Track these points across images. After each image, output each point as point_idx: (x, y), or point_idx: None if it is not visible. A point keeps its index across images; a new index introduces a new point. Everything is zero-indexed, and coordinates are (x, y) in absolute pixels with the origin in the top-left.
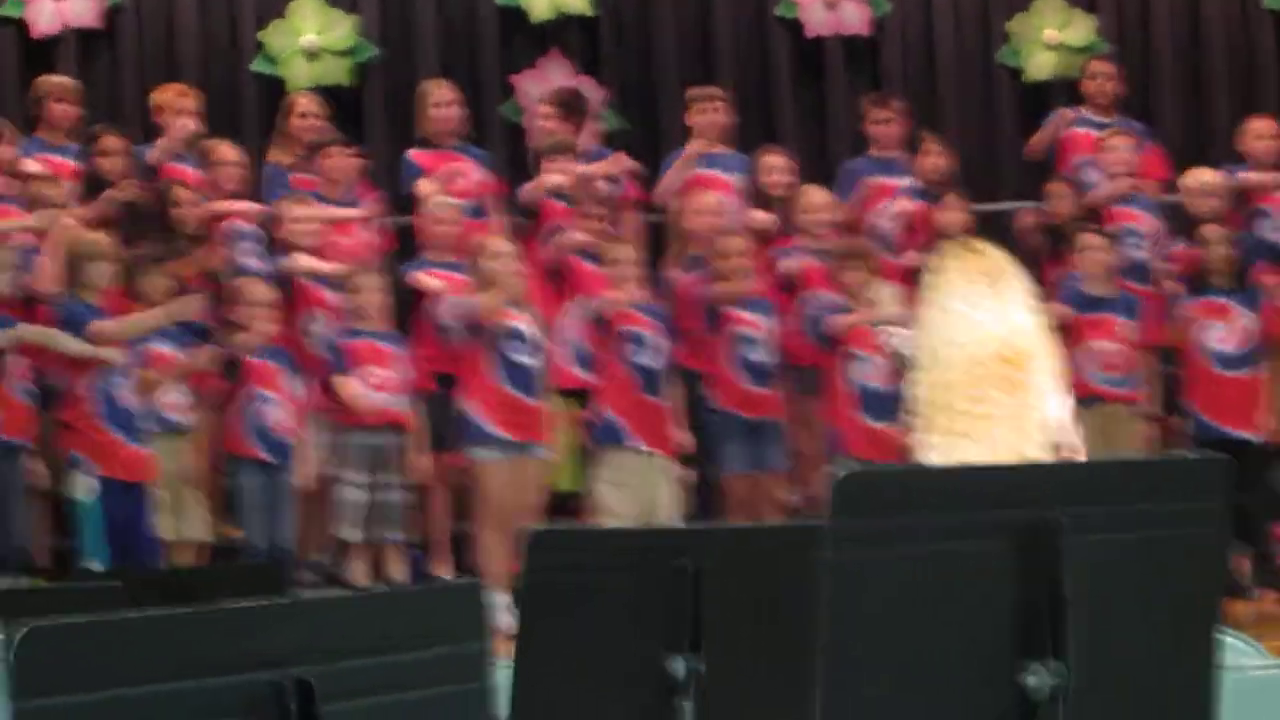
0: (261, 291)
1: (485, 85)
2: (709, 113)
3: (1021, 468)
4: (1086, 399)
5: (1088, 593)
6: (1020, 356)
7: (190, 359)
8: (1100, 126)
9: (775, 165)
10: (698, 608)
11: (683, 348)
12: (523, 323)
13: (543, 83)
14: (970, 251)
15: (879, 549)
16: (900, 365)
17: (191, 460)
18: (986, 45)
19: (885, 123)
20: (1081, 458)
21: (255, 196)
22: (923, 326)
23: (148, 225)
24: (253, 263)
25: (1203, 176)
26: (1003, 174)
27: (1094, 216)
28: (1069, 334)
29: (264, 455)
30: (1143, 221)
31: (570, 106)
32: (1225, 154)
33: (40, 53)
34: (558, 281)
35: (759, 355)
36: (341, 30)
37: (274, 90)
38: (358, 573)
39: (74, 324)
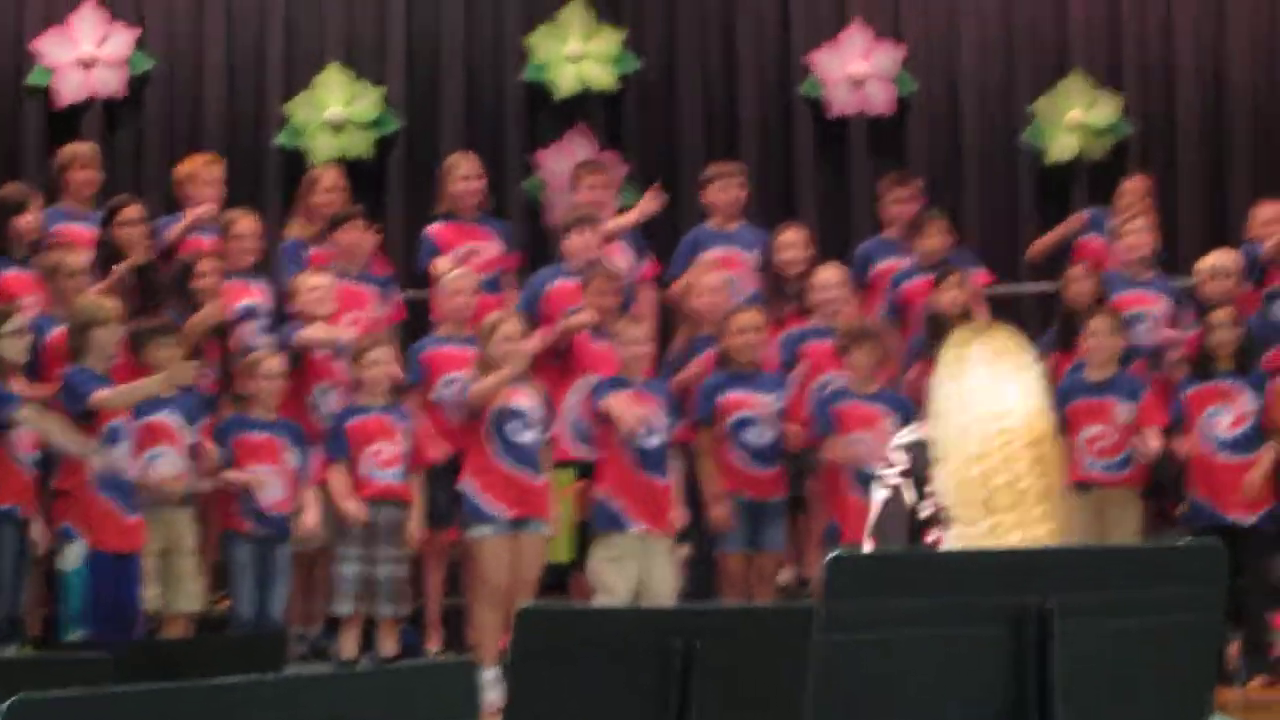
0: (273, 365)
1: (509, 162)
2: (732, 189)
3: (1015, 552)
4: (1082, 484)
5: (1078, 678)
6: (1044, 437)
7: (191, 479)
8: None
9: (792, 242)
10: (686, 687)
11: (685, 425)
12: (525, 400)
13: (566, 158)
14: (982, 334)
15: (869, 632)
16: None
17: (189, 529)
18: (1009, 125)
19: (903, 202)
20: None
21: (270, 269)
22: (938, 416)
23: (165, 296)
24: (262, 340)
25: (1214, 259)
26: (1022, 254)
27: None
28: (1065, 422)
29: (256, 530)
30: (1155, 304)
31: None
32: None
33: (65, 122)
34: (564, 359)
35: (760, 437)
36: (367, 102)
37: (295, 162)
38: (348, 647)
39: (77, 393)
